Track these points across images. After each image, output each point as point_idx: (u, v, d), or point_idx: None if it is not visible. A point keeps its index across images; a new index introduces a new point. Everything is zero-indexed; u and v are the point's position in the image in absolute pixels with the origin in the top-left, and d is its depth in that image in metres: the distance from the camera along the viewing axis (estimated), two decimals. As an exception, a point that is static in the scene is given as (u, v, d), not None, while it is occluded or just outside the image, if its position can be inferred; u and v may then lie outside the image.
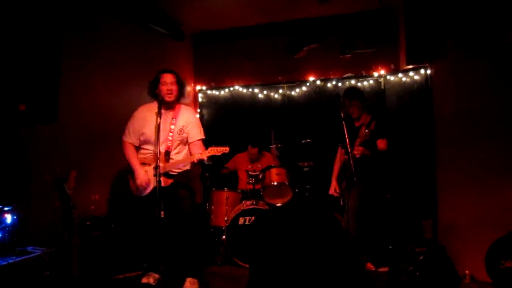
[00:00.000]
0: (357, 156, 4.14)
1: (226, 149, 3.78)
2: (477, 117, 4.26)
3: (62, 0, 3.77)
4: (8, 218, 3.40)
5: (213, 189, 5.42)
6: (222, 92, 6.80)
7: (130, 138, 3.94)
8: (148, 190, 3.88)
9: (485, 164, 4.17)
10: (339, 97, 4.44)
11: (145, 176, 3.85)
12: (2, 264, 3.04)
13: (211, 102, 6.89)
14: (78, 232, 3.78)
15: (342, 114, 4.28)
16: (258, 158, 5.86)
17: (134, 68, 5.21)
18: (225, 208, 5.16)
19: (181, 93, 3.96)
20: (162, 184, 3.69)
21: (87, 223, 4.11)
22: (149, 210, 3.79)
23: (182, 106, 4.05)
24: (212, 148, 3.78)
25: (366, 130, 4.13)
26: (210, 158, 3.86)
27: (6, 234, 3.37)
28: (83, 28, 4.44)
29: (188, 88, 6.84)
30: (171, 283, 3.98)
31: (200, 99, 6.92)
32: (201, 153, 3.78)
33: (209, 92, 6.89)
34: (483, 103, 4.22)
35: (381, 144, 4.35)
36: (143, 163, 3.92)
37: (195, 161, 3.82)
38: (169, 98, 3.84)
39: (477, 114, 4.26)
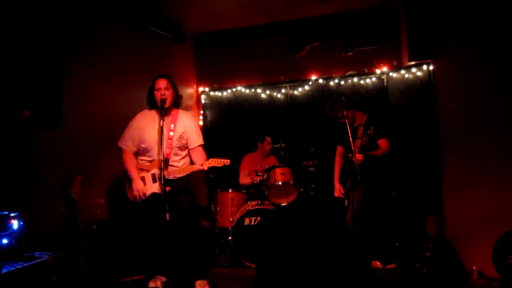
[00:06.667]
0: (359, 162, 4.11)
1: (227, 161, 3.77)
2: (482, 112, 4.24)
3: (63, 6, 3.79)
4: (15, 224, 3.42)
5: (218, 190, 5.43)
6: (225, 93, 6.81)
7: (127, 145, 3.91)
8: (144, 196, 3.88)
9: (491, 159, 4.15)
10: (341, 96, 4.43)
11: (142, 186, 3.83)
12: (10, 270, 3.05)
13: (214, 104, 6.90)
14: (85, 236, 3.79)
15: (345, 114, 4.27)
16: (268, 155, 5.89)
17: (136, 71, 5.22)
18: (231, 209, 5.17)
19: (176, 98, 3.92)
20: (160, 191, 3.69)
21: (93, 227, 4.13)
22: (148, 215, 3.80)
23: (180, 111, 4.02)
24: (213, 159, 3.76)
25: (364, 136, 4.09)
26: (211, 168, 3.84)
27: (13, 240, 3.39)
28: (84, 33, 4.45)
29: (191, 90, 6.87)
30: (179, 285, 3.98)
31: (203, 101, 6.93)
32: (202, 164, 3.76)
33: (212, 93, 6.90)
34: (487, 98, 4.20)
35: (383, 143, 4.32)
36: (141, 169, 3.91)
37: (195, 170, 3.82)
38: (163, 103, 3.78)
39: (481, 110, 4.24)
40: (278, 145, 5.70)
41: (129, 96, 4.99)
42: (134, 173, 3.86)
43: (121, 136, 3.96)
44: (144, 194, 3.82)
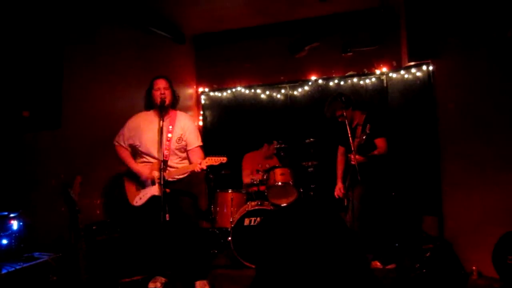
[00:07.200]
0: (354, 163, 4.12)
1: (223, 159, 3.76)
2: (481, 112, 4.24)
3: (63, 8, 3.79)
4: (15, 224, 3.42)
5: (218, 190, 5.43)
6: (225, 94, 6.81)
7: (122, 144, 3.97)
8: (144, 199, 3.89)
9: (490, 159, 4.15)
10: (340, 96, 4.45)
11: (148, 169, 3.86)
12: (10, 270, 3.05)
13: (214, 104, 6.90)
14: (84, 236, 3.79)
15: (344, 113, 4.28)
16: (272, 156, 5.91)
17: (137, 72, 5.22)
18: (230, 209, 5.17)
19: (174, 98, 3.95)
20: (159, 193, 3.68)
21: (93, 227, 4.13)
22: (148, 217, 3.81)
23: (178, 113, 4.04)
24: (210, 158, 3.77)
25: (362, 134, 4.10)
26: (208, 167, 3.84)
27: (13, 240, 3.39)
28: (84, 34, 4.45)
29: (191, 90, 6.87)
30: (179, 286, 3.98)
31: (202, 101, 6.93)
32: (200, 163, 3.77)
33: (211, 94, 6.90)
34: (486, 99, 4.20)
35: (380, 143, 4.33)
36: None
37: (194, 170, 3.84)
38: (163, 102, 3.81)
39: (481, 110, 4.25)
40: (277, 146, 5.70)
41: (129, 97, 5.00)
42: (134, 164, 3.93)
43: (117, 135, 4.01)
44: (154, 175, 3.84)
